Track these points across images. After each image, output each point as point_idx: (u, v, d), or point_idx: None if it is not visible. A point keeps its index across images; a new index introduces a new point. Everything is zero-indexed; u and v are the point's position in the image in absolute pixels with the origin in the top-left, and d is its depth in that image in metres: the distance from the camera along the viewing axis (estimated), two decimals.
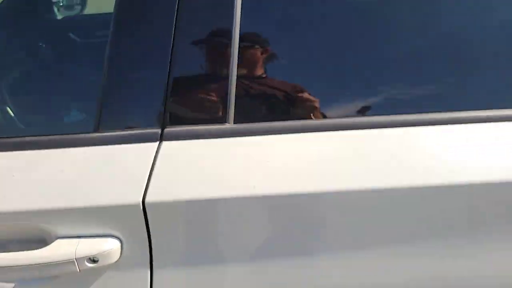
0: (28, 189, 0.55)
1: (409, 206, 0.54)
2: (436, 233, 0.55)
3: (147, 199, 0.53)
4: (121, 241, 0.55)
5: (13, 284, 0.56)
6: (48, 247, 0.54)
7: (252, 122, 0.57)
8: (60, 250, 0.54)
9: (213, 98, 0.57)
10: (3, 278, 0.56)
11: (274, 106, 0.61)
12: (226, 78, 0.56)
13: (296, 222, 0.54)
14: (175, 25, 0.56)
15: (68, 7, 1.56)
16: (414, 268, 0.56)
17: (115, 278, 0.56)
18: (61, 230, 0.55)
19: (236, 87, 0.56)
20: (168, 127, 0.56)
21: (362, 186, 0.52)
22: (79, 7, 1.56)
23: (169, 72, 0.56)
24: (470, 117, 0.56)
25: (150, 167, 0.54)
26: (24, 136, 0.59)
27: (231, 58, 0.56)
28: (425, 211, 0.54)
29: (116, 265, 0.55)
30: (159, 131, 0.56)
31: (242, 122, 0.56)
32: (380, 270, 0.56)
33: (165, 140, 0.56)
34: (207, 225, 0.55)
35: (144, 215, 0.54)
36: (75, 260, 0.53)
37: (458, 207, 0.54)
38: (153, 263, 0.56)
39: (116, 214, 0.54)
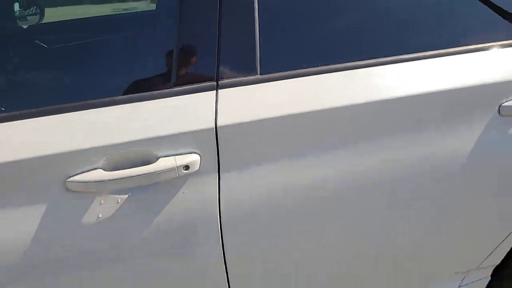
0: (137, 126, 0.82)
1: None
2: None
3: (218, 124, 0.84)
4: (200, 156, 0.85)
5: (130, 192, 0.82)
6: (155, 163, 0.82)
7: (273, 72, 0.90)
8: (164, 163, 0.82)
9: (246, 57, 0.89)
10: (126, 186, 0.82)
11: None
12: (254, 45, 0.89)
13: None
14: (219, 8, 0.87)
15: (22, 17, 1.68)
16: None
17: (198, 181, 0.86)
18: (161, 152, 0.83)
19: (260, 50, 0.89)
20: (220, 80, 0.88)
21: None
22: (34, 17, 1.69)
23: (218, 42, 0.87)
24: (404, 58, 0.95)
25: (215, 105, 0.85)
26: (122, 95, 0.85)
27: (256, 28, 0.89)
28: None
29: (198, 172, 0.85)
30: (215, 83, 0.88)
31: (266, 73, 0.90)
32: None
33: (220, 89, 0.87)
34: (257, 141, 0.87)
35: (215, 136, 0.84)
36: (176, 168, 0.82)
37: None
38: (220, 170, 0.87)
39: (197, 136, 0.84)
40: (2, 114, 0.80)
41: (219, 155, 0.86)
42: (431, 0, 1.04)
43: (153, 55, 0.99)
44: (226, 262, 0.92)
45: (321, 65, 0.92)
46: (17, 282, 0.82)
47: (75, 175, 0.79)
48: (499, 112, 0.97)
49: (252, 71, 0.89)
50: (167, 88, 0.86)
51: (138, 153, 0.82)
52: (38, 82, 1.00)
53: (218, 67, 0.88)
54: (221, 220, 0.87)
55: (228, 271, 0.94)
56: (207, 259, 0.90)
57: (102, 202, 0.82)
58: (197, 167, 0.85)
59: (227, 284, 0.97)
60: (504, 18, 1.01)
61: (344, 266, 1.03)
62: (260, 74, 0.89)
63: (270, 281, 1.00)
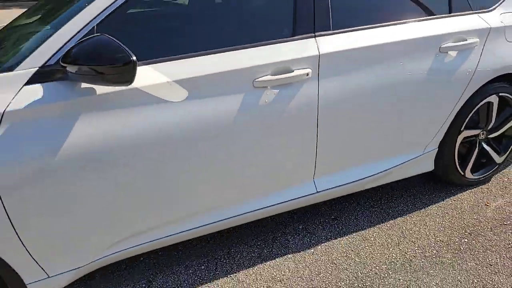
0: (278, 54, 1.62)
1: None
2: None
3: (320, 52, 1.67)
4: (311, 69, 1.67)
5: (280, 88, 1.62)
6: (293, 72, 1.63)
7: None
8: (297, 72, 1.63)
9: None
10: (278, 84, 1.61)
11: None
12: (328, 16, 1.74)
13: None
14: None
15: None
16: None
17: (311, 82, 1.68)
18: (294, 67, 1.64)
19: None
20: (316, 33, 1.71)
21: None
22: None
23: (314, 13, 1.71)
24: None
25: (316, 45, 1.69)
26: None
27: (329, 11, 1.74)
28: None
29: (310, 78, 1.68)
30: (313, 34, 1.71)
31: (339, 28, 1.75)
32: None
33: (316, 37, 1.71)
34: (337, 62, 1.72)
35: (318, 59, 1.68)
36: (303, 74, 1.64)
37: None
38: (319, 78, 1.70)
39: (309, 59, 1.66)
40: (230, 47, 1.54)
41: (319, 70, 1.69)
42: None
43: (285, 17, 1.72)
44: (318, 134, 1.75)
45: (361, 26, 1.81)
46: (226, 141, 1.56)
47: (261, 77, 1.57)
48: (439, 50, 1.94)
49: (329, 29, 1.74)
50: (290, 36, 1.67)
51: (285, 68, 1.62)
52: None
53: (314, 27, 1.71)
54: (319, 102, 1.71)
55: (318, 143, 1.77)
56: (308, 130, 1.72)
57: (268, 93, 1.60)
58: (310, 75, 1.67)
59: (315, 149, 1.79)
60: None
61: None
62: (332, 30, 1.75)
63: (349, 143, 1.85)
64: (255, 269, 1.88)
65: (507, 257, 1.91)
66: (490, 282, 1.78)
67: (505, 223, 2.14)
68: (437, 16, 1.98)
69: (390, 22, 1.86)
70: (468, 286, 1.76)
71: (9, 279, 1.41)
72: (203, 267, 1.90)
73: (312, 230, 2.12)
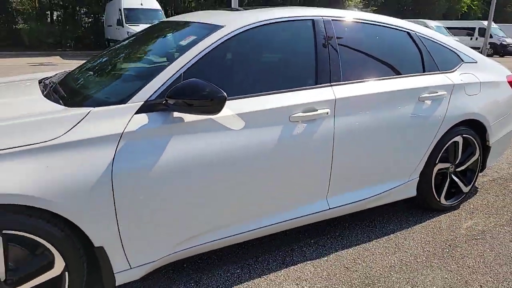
0: (309, 98, 2.18)
1: None
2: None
3: (336, 97, 2.24)
4: (329, 110, 2.23)
5: (307, 123, 2.16)
6: (316, 111, 2.17)
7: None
8: (320, 111, 2.18)
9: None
10: (306, 119, 2.14)
11: None
12: (339, 72, 2.33)
13: None
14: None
15: None
16: None
17: (329, 119, 2.23)
18: (317, 107, 2.19)
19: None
20: (333, 84, 2.29)
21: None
22: None
23: (329, 65, 2.30)
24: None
25: (333, 91, 2.26)
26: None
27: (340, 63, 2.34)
28: None
29: (328, 115, 2.23)
30: (330, 84, 2.29)
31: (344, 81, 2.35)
32: None
33: (332, 86, 2.28)
34: (347, 104, 2.29)
35: (334, 103, 2.24)
36: (323, 113, 2.19)
37: None
38: (335, 115, 2.26)
39: (327, 102, 2.22)
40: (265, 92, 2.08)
41: (335, 109, 2.25)
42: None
43: (310, 72, 2.29)
44: (332, 159, 2.27)
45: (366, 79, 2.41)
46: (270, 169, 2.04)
47: (295, 114, 2.10)
48: (418, 99, 2.56)
49: (340, 81, 2.33)
50: (314, 85, 2.24)
51: (311, 107, 2.16)
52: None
53: (330, 79, 2.29)
54: (334, 134, 2.24)
55: (332, 167, 2.28)
56: (325, 154, 2.24)
57: (299, 126, 2.12)
58: (329, 113, 2.21)
59: (330, 171, 2.30)
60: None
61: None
62: (342, 81, 2.34)
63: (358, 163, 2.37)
64: (282, 272, 2.28)
65: (480, 261, 2.42)
66: (470, 279, 2.26)
67: (476, 238, 2.67)
68: (415, 74, 2.63)
69: (383, 77, 2.48)
70: (454, 281, 2.23)
71: (104, 267, 1.76)
72: (238, 270, 2.28)
73: (322, 243, 2.56)
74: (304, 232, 2.68)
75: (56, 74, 2.75)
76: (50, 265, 1.64)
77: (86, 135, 1.65)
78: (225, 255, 2.41)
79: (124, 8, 15.92)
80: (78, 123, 1.67)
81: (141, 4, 16.30)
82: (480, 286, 2.20)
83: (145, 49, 2.45)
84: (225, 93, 1.74)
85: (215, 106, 1.73)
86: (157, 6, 16.67)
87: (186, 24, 2.40)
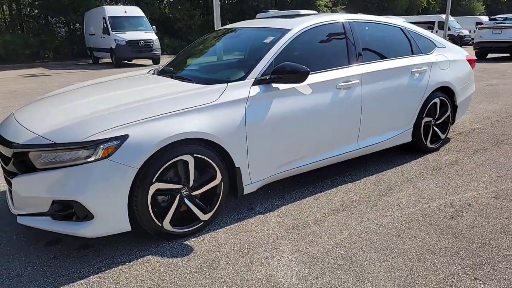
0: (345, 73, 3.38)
1: None
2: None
3: (363, 71, 3.45)
4: (360, 80, 3.44)
5: (349, 86, 3.36)
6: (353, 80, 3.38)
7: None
8: (353, 82, 3.38)
9: None
10: (344, 85, 3.34)
11: None
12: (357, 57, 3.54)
13: None
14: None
15: None
16: None
17: (359, 85, 3.44)
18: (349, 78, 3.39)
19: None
20: (359, 63, 3.49)
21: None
22: None
23: (356, 51, 3.50)
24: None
25: (360, 68, 3.46)
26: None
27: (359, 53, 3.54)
28: None
29: (357, 83, 3.43)
30: (357, 63, 3.49)
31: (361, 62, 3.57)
32: None
33: (358, 65, 3.49)
34: (370, 77, 3.50)
35: (361, 75, 3.45)
36: (356, 82, 3.39)
37: None
38: (362, 83, 3.46)
39: (358, 76, 3.42)
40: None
41: (362, 80, 3.44)
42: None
43: (345, 56, 3.49)
44: (361, 113, 3.46)
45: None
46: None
47: (339, 83, 3.28)
48: (411, 73, 3.81)
49: (362, 62, 3.53)
50: (348, 64, 3.42)
51: (348, 79, 3.35)
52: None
53: (357, 60, 3.49)
54: (362, 96, 3.44)
55: (361, 118, 3.49)
56: (357, 107, 3.44)
57: (341, 91, 3.30)
58: (359, 83, 3.41)
59: (360, 122, 3.49)
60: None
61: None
62: (364, 62, 3.54)
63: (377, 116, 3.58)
64: (332, 189, 3.46)
65: (456, 174, 3.69)
66: (450, 182, 3.52)
67: (451, 164, 3.94)
68: (407, 56, 3.88)
69: (387, 59, 3.71)
70: (441, 183, 3.49)
71: (239, 180, 2.87)
72: (294, 193, 3.43)
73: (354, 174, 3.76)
74: (340, 167, 3.87)
75: (156, 68, 3.84)
76: (213, 177, 2.73)
77: (230, 98, 2.76)
78: (286, 185, 3.57)
79: (109, 17, 16.59)
80: (223, 92, 2.78)
81: (125, 12, 17.05)
82: (457, 184, 3.46)
83: (235, 44, 3.57)
84: (308, 68, 2.89)
85: (301, 78, 2.88)
86: (140, 13, 17.46)
87: (259, 29, 3.55)
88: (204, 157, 2.62)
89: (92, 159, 2.30)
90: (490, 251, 2.45)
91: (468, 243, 2.55)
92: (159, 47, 17.00)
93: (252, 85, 2.88)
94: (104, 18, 16.79)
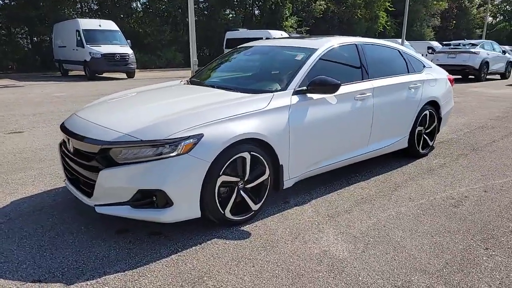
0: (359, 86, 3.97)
1: None
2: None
3: (374, 86, 4.06)
4: (371, 93, 4.04)
5: (357, 99, 3.94)
6: (367, 93, 3.97)
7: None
8: (365, 93, 3.98)
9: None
10: (352, 96, 3.92)
11: None
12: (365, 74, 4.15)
13: None
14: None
15: None
16: None
17: (370, 97, 4.04)
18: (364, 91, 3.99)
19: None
20: (370, 79, 4.10)
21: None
22: None
23: (367, 69, 4.11)
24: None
25: (372, 83, 4.07)
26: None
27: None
28: None
29: (369, 96, 4.03)
30: (369, 79, 4.10)
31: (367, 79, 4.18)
32: None
33: (370, 80, 4.09)
34: (379, 91, 4.11)
35: (373, 89, 4.06)
36: (369, 94, 3.98)
37: None
38: (373, 96, 4.07)
39: (370, 89, 4.03)
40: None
41: (373, 93, 4.04)
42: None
43: (359, 72, 4.08)
44: (372, 121, 4.06)
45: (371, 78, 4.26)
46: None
47: (357, 95, 3.85)
48: (408, 88, 4.48)
49: (374, 78, 4.14)
50: (362, 79, 4.02)
51: (363, 92, 3.94)
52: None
53: (368, 76, 4.09)
54: (373, 106, 4.04)
55: (372, 125, 4.08)
56: (369, 115, 4.03)
57: (358, 102, 3.88)
58: (371, 95, 4.01)
59: (371, 128, 4.08)
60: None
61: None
62: (374, 78, 4.16)
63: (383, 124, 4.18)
64: (336, 192, 3.99)
65: (447, 174, 4.35)
66: (443, 179, 4.17)
67: (441, 166, 4.62)
68: (405, 74, 4.56)
69: (390, 75, 4.35)
70: (437, 181, 4.12)
71: (281, 176, 3.33)
72: (319, 189, 3.94)
73: (352, 181, 4.32)
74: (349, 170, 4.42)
75: (185, 79, 4.25)
76: (263, 172, 3.17)
77: (277, 105, 3.24)
78: (311, 183, 4.07)
79: (83, 30, 16.58)
80: (271, 100, 3.26)
81: (100, 25, 17.10)
82: (451, 182, 4.11)
83: (266, 60, 4.07)
84: (339, 81, 3.43)
85: (334, 89, 3.42)
86: (115, 27, 17.57)
87: (287, 48, 4.08)
88: (258, 154, 3.07)
89: (174, 154, 2.68)
90: (492, 230, 3.06)
91: (474, 224, 3.15)
92: (135, 61, 17.17)
93: (292, 95, 3.38)
94: (77, 30, 16.75)
